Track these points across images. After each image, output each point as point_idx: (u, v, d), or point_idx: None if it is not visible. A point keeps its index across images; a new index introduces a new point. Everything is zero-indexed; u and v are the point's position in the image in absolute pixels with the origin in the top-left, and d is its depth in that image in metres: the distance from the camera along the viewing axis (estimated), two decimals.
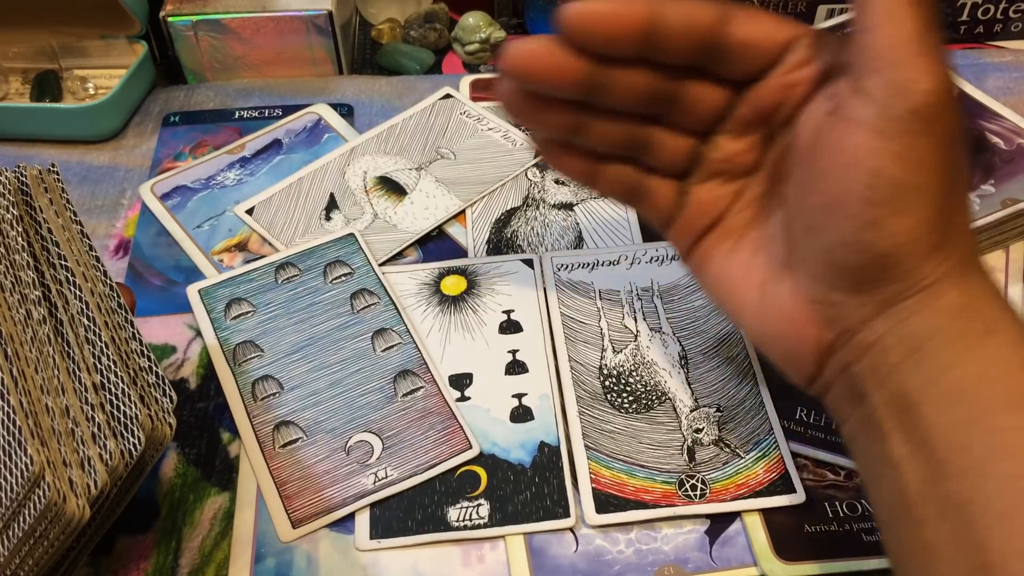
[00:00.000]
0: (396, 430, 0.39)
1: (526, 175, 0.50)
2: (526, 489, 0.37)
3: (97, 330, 0.31)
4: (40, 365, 0.30)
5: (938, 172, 0.27)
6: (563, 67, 0.29)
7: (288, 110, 0.55)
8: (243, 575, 0.35)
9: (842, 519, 0.36)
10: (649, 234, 0.47)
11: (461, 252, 0.47)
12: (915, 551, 0.27)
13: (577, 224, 0.48)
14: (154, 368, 0.32)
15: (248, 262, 0.46)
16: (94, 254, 0.34)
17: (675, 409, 0.40)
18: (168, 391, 0.32)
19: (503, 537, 0.36)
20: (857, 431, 0.30)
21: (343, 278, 0.45)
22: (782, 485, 0.37)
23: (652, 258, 0.45)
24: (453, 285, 0.45)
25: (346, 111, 0.55)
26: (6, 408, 0.29)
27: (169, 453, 0.39)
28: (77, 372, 0.30)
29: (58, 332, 0.31)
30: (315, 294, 0.44)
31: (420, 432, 0.39)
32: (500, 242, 0.47)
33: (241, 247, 0.47)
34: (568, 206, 0.48)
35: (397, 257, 0.46)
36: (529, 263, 0.45)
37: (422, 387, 0.40)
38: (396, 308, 0.43)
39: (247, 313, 0.43)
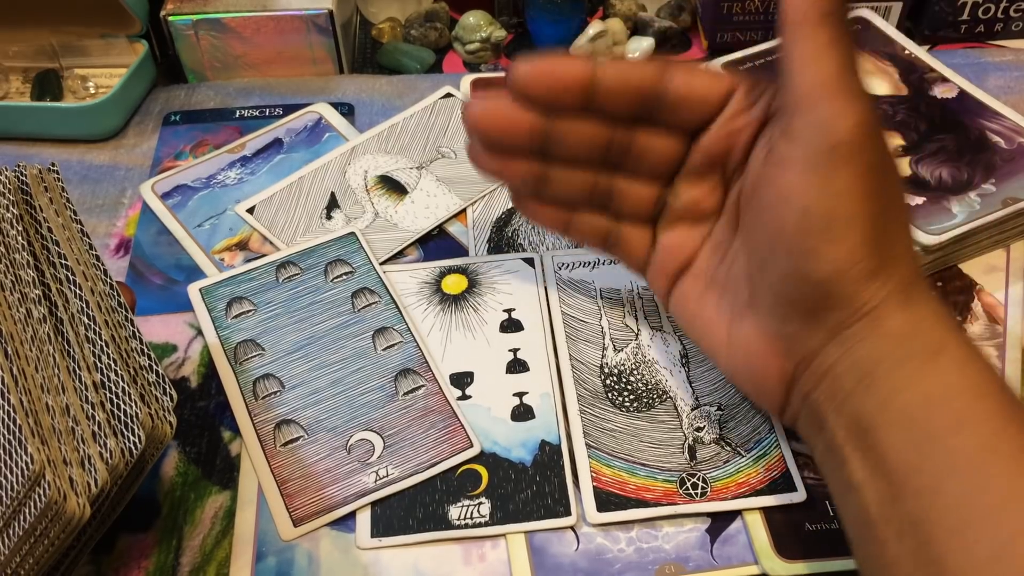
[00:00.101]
0: (397, 429, 0.39)
1: None
2: (527, 488, 0.37)
3: (97, 329, 0.31)
4: (40, 364, 0.30)
5: (866, 201, 0.28)
6: (515, 121, 0.33)
7: (289, 109, 0.55)
8: (244, 574, 0.35)
9: None
10: None
11: (462, 251, 0.47)
12: (880, 569, 0.28)
13: None
14: (154, 367, 0.32)
15: (249, 261, 0.46)
16: (94, 253, 0.34)
17: (676, 408, 0.40)
18: (168, 390, 0.32)
19: (504, 536, 0.36)
20: (823, 457, 0.31)
21: (344, 277, 0.45)
22: (783, 484, 0.37)
23: None
24: (454, 284, 0.45)
25: (347, 110, 0.55)
26: (6, 407, 0.29)
27: (170, 452, 0.39)
28: (77, 371, 0.30)
29: (58, 331, 0.31)
30: (316, 293, 0.44)
31: (421, 431, 0.39)
32: (501, 241, 0.47)
33: (242, 246, 0.47)
34: None
35: (398, 256, 0.46)
36: (530, 262, 0.45)
37: (423, 386, 0.40)
38: (397, 307, 0.43)
39: (248, 312, 0.43)
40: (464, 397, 0.40)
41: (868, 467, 0.28)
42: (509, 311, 0.43)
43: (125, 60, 0.55)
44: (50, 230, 0.33)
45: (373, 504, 0.37)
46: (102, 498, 0.31)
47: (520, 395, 0.40)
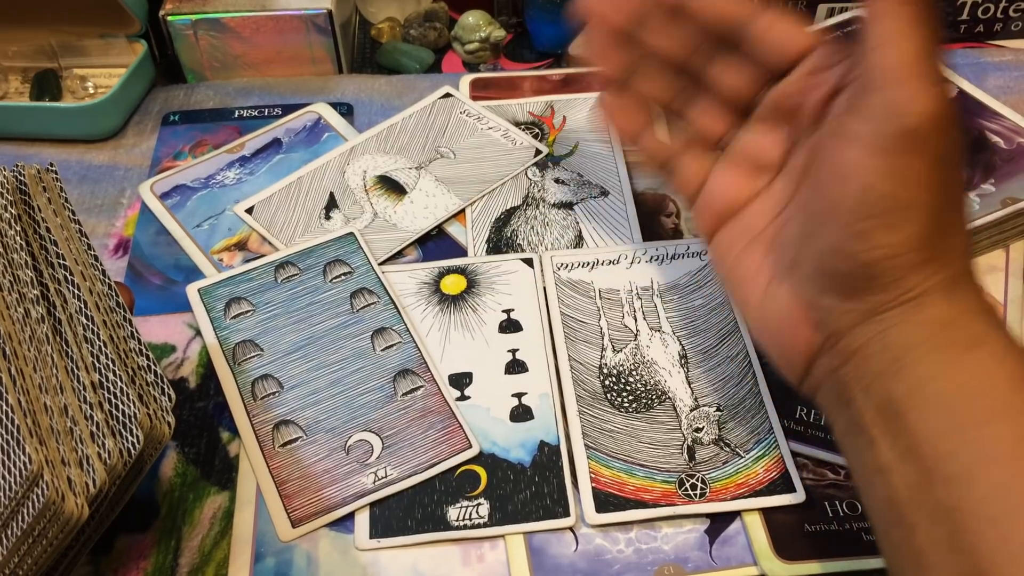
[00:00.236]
0: (396, 429, 0.39)
1: (526, 174, 0.50)
2: (526, 488, 0.37)
3: (95, 329, 0.31)
4: (38, 364, 0.30)
5: (929, 191, 0.28)
6: (620, 5, 0.35)
7: (288, 109, 0.55)
8: (243, 574, 0.35)
9: (842, 518, 0.36)
10: (649, 233, 0.47)
11: (461, 251, 0.47)
12: (908, 555, 0.28)
13: (577, 223, 0.48)
14: (153, 367, 0.32)
15: (248, 261, 0.46)
16: (92, 253, 0.33)
17: (675, 408, 0.40)
18: (167, 390, 0.32)
19: (503, 536, 0.36)
20: (846, 434, 0.31)
21: (343, 277, 0.45)
22: (782, 484, 0.37)
23: (652, 257, 0.45)
24: (453, 284, 0.45)
25: (346, 110, 0.55)
26: (4, 407, 0.29)
27: (168, 452, 0.39)
28: (75, 371, 0.30)
29: (56, 331, 0.31)
30: (315, 293, 0.44)
31: (420, 431, 0.39)
32: (500, 241, 0.47)
33: (241, 246, 0.47)
34: (568, 205, 0.48)
35: (397, 256, 0.46)
36: (529, 262, 0.45)
37: (422, 386, 0.40)
38: (396, 307, 0.43)
39: (247, 312, 0.43)
40: (463, 398, 0.40)
41: (898, 450, 0.28)
42: (508, 312, 0.43)
43: (124, 60, 0.55)
44: (48, 230, 0.33)
45: (372, 505, 0.37)
46: (100, 498, 0.31)
47: (519, 396, 0.40)
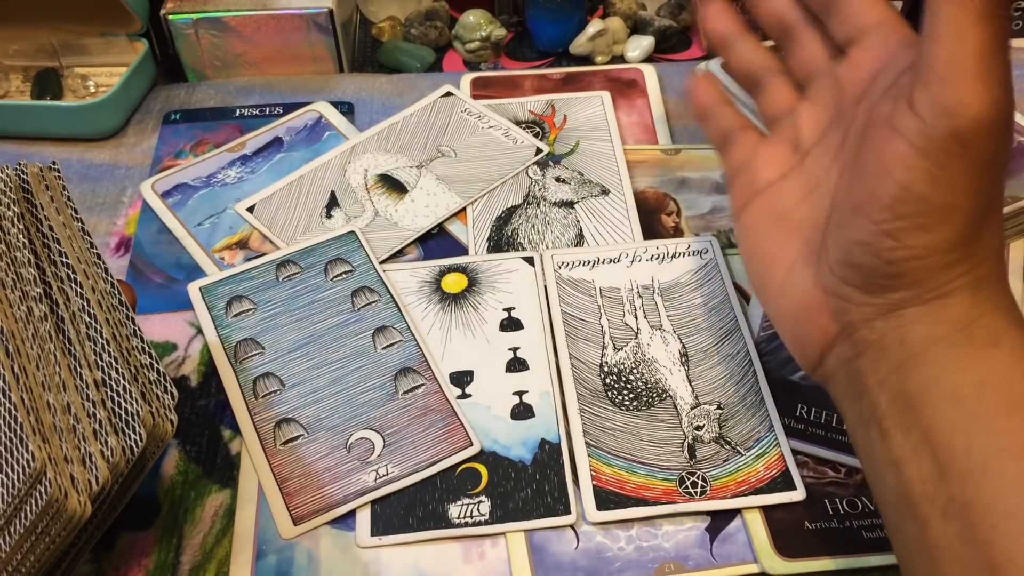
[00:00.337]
0: (397, 427, 0.39)
1: (527, 173, 0.50)
2: (527, 486, 0.37)
3: (98, 327, 0.31)
4: (41, 362, 0.30)
5: (970, 196, 0.27)
6: None
7: (289, 108, 0.55)
8: (244, 572, 0.35)
9: (842, 516, 0.36)
10: (649, 232, 0.47)
11: (462, 250, 0.47)
12: (921, 549, 0.27)
13: (578, 222, 0.48)
14: (155, 365, 0.32)
15: (249, 260, 0.46)
16: (95, 251, 0.34)
17: (676, 406, 0.40)
18: (169, 388, 0.32)
19: (504, 534, 0.36)
20: (857, 425, 0.30)
21: (344, 276, 0.45)
22: (783, 482, 0.37)
23: (653, 256, 0.45)
24: (454, 283, 0.45)
25: (347, 109, 0.55)
26: (7, 405, 0.29)
27: (170, 450, 0.39)
28: (78, 369, 0.31)
29: (59, 329, 0.31)
30: (316, 292, 0.44)
31: (421, 429, 0.39)
32: (501, 240, 0.47)
33: (242, 245, 0.47)
34: (569, 204, 0.48)
35: (398, 255, 0.47)
36: (530, 261, 0.45)
37: (423, 384, 0.40)
38: (397, 306, 0.43)
39: (248, 311, 0.43)
40: (464, 396, 0.40)
41: (911, 443, 0.28)
42: (509, 310, 0.43)
43: (125, 59, 0.55)
44: (51, 228, 0.33)
45: (373, 503, 0.37)
46: (103, 496, 0.31)
47: (520, 394, 0.40)
